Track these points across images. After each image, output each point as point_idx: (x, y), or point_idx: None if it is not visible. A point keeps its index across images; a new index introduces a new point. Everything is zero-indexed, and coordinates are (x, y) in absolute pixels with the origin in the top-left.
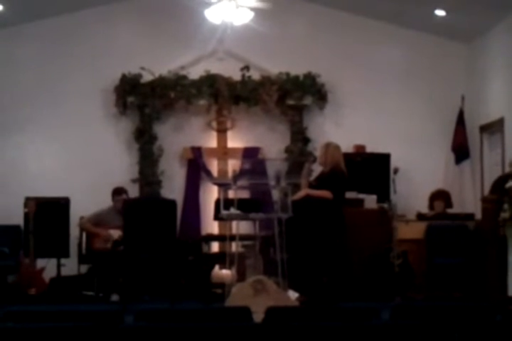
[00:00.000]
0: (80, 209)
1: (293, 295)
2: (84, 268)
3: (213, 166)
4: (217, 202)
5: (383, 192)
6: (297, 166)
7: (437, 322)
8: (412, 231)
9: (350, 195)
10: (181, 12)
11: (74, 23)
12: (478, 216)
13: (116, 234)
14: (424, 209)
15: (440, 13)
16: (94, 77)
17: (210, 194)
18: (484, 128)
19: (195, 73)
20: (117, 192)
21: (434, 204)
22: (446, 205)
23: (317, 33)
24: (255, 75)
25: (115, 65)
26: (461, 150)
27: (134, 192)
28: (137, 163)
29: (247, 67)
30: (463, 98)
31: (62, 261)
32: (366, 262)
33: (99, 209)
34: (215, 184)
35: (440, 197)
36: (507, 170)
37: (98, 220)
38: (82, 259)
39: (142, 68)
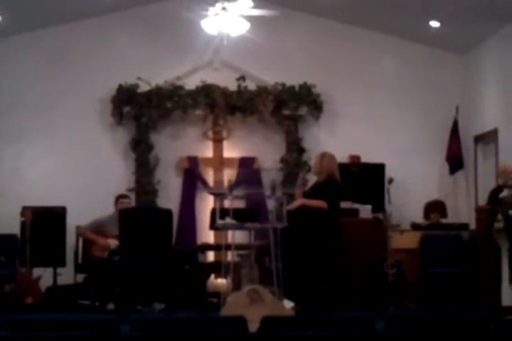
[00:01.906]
0: (77, 218)
1: (288, 304)
2: (80, 278)
3: (209, 176)
4: (213, 212)
5: (378, 202)
6: (292, 176)
7: (431, 332)
8: (406, 240)
9: (345, 204)
10: (178, 22)
11: (71, 33)
12: (473, 226)
13: (113, 243)
14: (418, 219)
15: (434, 24)
16: (91, 87)
17: (206, 203)
18: (478, 139)
19: (191, 83)
20: (122, 196)
21: (429, 215)
22: (441, 215)
23: (312, 44)
24: (251, 85)
25: (112, 75)
26: (455, 161)
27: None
28: (133, 172)
29: (242, 78)
30: (457, 108)
31: (59, 270)
32: (361, 271)
33: (98, 217)
34: (211, 193)
35: (436, 207)
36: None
37: (97, 228)
38: (78, 268)
39: (139, 78)
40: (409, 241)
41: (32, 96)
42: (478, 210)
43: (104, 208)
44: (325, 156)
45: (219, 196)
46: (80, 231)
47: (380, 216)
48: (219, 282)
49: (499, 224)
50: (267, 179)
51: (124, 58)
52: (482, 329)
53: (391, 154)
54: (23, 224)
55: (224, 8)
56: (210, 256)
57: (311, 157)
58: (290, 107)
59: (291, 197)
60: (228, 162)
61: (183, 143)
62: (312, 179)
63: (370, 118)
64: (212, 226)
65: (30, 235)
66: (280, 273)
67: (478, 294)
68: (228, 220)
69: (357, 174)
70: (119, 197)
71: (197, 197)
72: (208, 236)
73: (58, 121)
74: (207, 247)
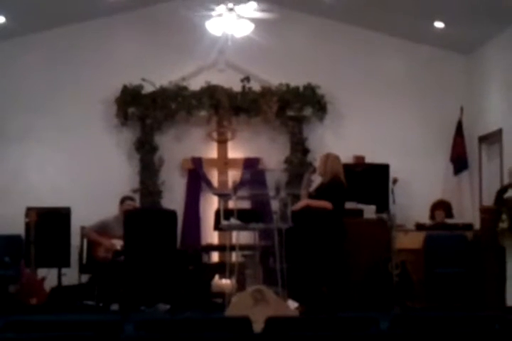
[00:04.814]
0: (81, 219)
1: (292, 304)
2: (85, 278)
3: (214, 177)
4: (218, 213)
5: (382, 202)
6: (297, 177)
7: (436, 332)
8: (410, 241)
9: (349, 205)
10: (182, 24)
11: (75, 34)
12: (477, 226)
13: (118, 243)
14: (422, 219)
15: (439, 25)
16: (95, 88)
17: (211, 204)
18: (483, 139)
19: (195, 84)
20: (128, 198)
21: (435, 214)
22: (446, 215)
23: (317, 45)
24: (255, 86)
25: (116, 76)
26: (459, 161)
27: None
28: (138, 173)
29: (247, 79)
30: (462, 109)
31: (63, 270)
32: (365, 272)
33: (103, 218)
34: (216, 194)
35: (441, 206)
36: (506, 180)
37: (102, 228)
38: (82, 269)
39: (143, 79)
40: (413, 241)
41: (36, 96)
42: (483, 210)
43: (109, 208)
44: (329, 157)
45: (223, 197)
46: (85, 233)
47: (385, 216)
48: (223, 282)
49: (503, 224)
50: (271, 180)
51: (128, 59)
52: (487, 329)
53: (395, 154)
54: (27, 225)
55: (230, 9)
56: (215, 256)
57: (316, 157)
58: (294, 108)
59: (295, 198)
60: (232, 163)
61: (187, 144)
62: (317, 180)
63: (374, 118)
64: (217, 226)
65: (34, 236)
66: (284, 273)
67: (483, 294)
68: (233, 221)
69: (361, 174)
70: (125, 199)
71: (201, 197)
72: (212, 237)
73: (62, 122)
74: (211, 248)
